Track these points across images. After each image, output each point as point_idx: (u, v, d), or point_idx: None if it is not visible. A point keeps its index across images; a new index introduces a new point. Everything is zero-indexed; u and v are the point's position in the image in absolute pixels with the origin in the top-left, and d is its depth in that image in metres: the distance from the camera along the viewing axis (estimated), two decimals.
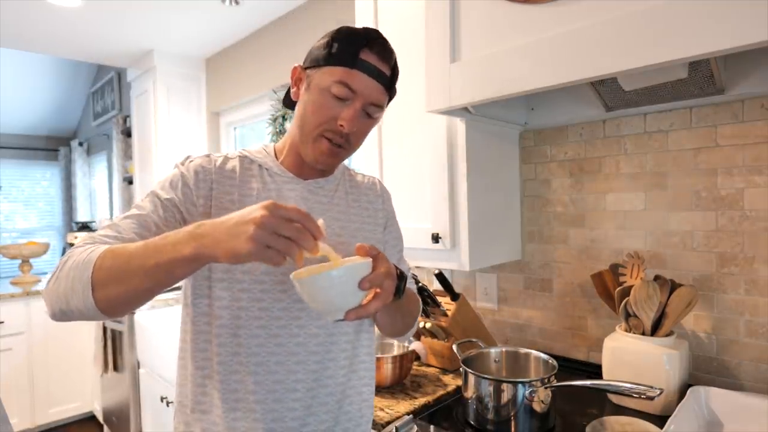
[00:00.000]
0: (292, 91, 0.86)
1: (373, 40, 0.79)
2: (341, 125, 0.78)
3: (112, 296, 0.64)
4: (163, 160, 3.04)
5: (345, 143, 0.81)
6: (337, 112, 0.78)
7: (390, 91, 0.83)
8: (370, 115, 0.81)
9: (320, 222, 0.62)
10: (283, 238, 0.58)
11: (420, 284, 1.36)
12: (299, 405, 0.79)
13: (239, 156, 0.86)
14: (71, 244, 4.04)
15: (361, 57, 0.77)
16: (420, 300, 1.04)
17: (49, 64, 4.09)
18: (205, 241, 0.59)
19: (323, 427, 0.82)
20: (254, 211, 0.58)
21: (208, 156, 0.84)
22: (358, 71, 0.77)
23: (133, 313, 2.42)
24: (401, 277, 0.80)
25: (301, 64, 0.84)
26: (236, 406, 0.77)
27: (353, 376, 0.87)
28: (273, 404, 0.78)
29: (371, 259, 0.67)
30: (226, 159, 0.84)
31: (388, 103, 0.85)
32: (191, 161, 0.83)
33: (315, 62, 0.80)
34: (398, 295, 0.79)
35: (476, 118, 1.28)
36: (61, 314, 0.68)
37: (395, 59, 0.83)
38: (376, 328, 0.95)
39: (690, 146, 1.20)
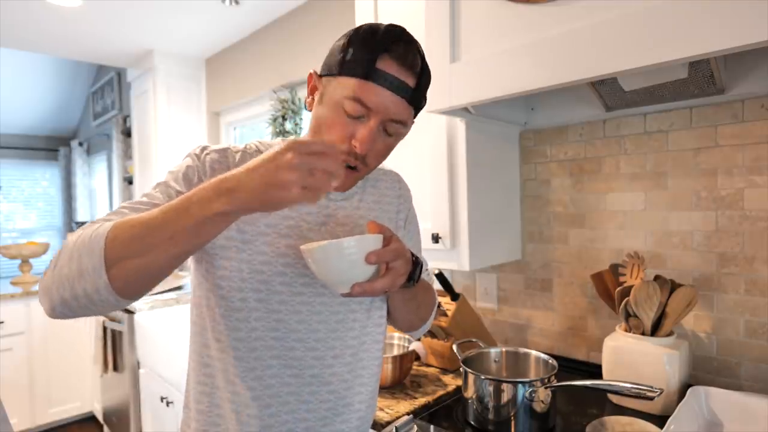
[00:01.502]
0: (307, 99, 0.79)
1: (393, 44, 0.69)
2: (354, 146, 0.70)
3: (132, 271, 0.58)
4: (163, 160, 3.04)
5: (360, 165, 0.73)
6: (351, 131, 0.70)
7: (416, 103, 0.73)
8: (390, 133, 0.73)
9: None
10: (317, 173, 0.55)
11: None
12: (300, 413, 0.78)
13: (257, 151, 0.79)
14: None
15: (377, 66, 0.68)
16: (436, 294, 1.00)
17: (49, 64, 4.09)
18: (239, 195, 0.55)
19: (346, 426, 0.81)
20: (281, 155, 0.54)
21: (225, 149, 0.78)
22: (374, 84, 0.68)
23: (133, 313, 2.42)
24: (417, 263, 0.76)
25: (316, 70, 0.78)
26: (249, 421, 0.76)
27: (356, 373, 0.85)
28: (278, 412, 0.77)
29: (382, 235, 0.66)
30: (245, 154, 0.78)
31: (415, 116, 0.76)
32: (208, 154, 0.76)
33: (329, 70, 0.73)
34: (411, 282, 0.75)
35: (476, 118, 1.28)
36: (62, 305, 0.60)
37: (422, 64, 0.72)
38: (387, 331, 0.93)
39: (690, 146, 1.20)
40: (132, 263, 0.58)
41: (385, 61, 0.69)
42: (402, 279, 0.69)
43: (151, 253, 0.58)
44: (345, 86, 0.70)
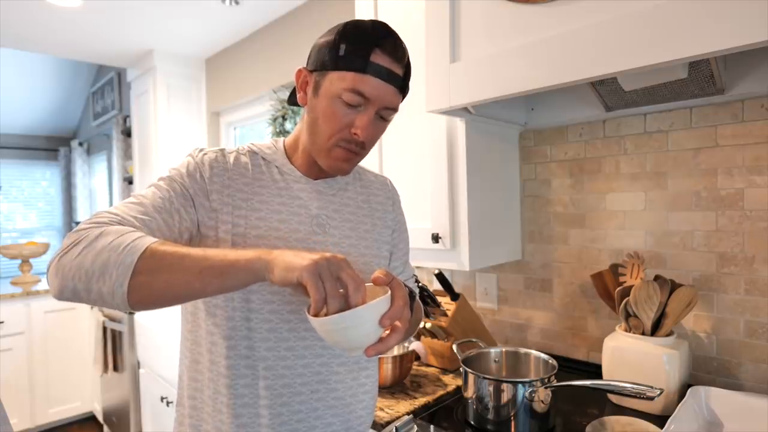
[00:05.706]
0: (298, 95, 0.82)
1: (383, 39, 0.74)
2: (355, 134, 0.75)
3: (151, 292, 0.62)
4: (163, 160, 3.04)
5: (359, 149, 0.79)
6: (350, 120, 0.75)
7: (403, 91, 0.80)
8: (383, 118, 0.79)
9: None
10: (323, 288, 0.59)
11: (420, 284, 1.36)
12: (305, 408, 0.79)
13: (249, 151, 0.84)
14: None
15: (372, 60, 0.72)
16: (422, 307, 1.03)
17: (49, 64, 4.09)
18: (270, 258, 0.62)
19: (330, 430, 0.81)
20: (317, 256, 0.60)
21: (221, 150, 0.82)
22: (370, 76, 0.73)
23: (133, 313, 2.42)
24: (410, 295, 0.78)
25: (305, 66, 0.80)
26: (242, 412, 0.76)
27: (358, 379, 0.86)
28: (280, 408, 0.77)
29: (390, 292, 0.65)
30: (238, 155, 0.82)
31: (401, 101, 0.82)
32: (205, 154, 0.80)
33: (322, 65, 0.76)
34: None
35: (476, 118, 1.28)
36: (73, 293, 0.62)
37: (408, 56, 0.78)
38: None
39: (690, 146, 1.20)
40: (154, 287, 0.61)
41: (377, 55, 0.73)
42: (407, 325, 0.69)
43: (175, 282, 0.61)
44: (343, 79, 0.73)
